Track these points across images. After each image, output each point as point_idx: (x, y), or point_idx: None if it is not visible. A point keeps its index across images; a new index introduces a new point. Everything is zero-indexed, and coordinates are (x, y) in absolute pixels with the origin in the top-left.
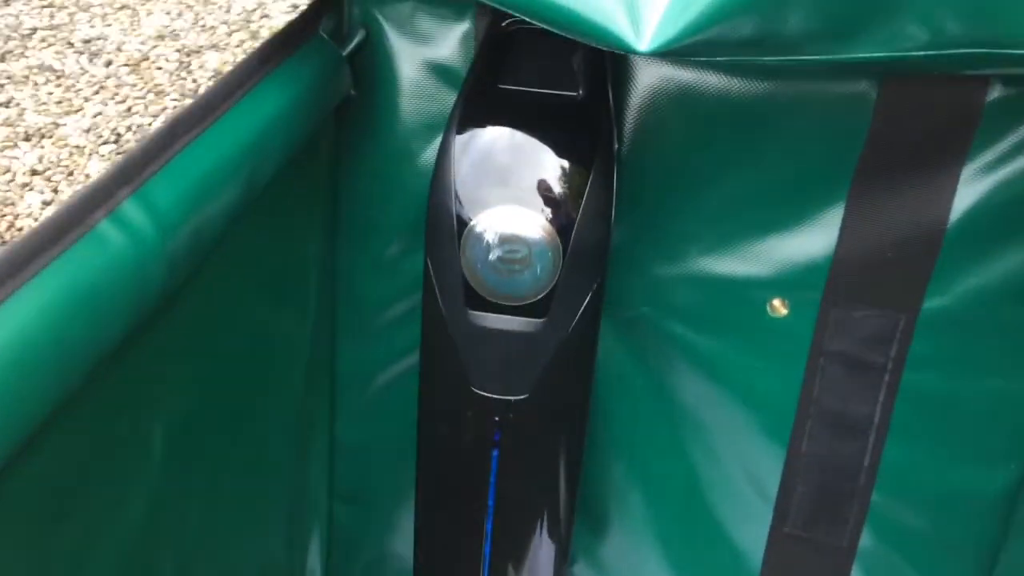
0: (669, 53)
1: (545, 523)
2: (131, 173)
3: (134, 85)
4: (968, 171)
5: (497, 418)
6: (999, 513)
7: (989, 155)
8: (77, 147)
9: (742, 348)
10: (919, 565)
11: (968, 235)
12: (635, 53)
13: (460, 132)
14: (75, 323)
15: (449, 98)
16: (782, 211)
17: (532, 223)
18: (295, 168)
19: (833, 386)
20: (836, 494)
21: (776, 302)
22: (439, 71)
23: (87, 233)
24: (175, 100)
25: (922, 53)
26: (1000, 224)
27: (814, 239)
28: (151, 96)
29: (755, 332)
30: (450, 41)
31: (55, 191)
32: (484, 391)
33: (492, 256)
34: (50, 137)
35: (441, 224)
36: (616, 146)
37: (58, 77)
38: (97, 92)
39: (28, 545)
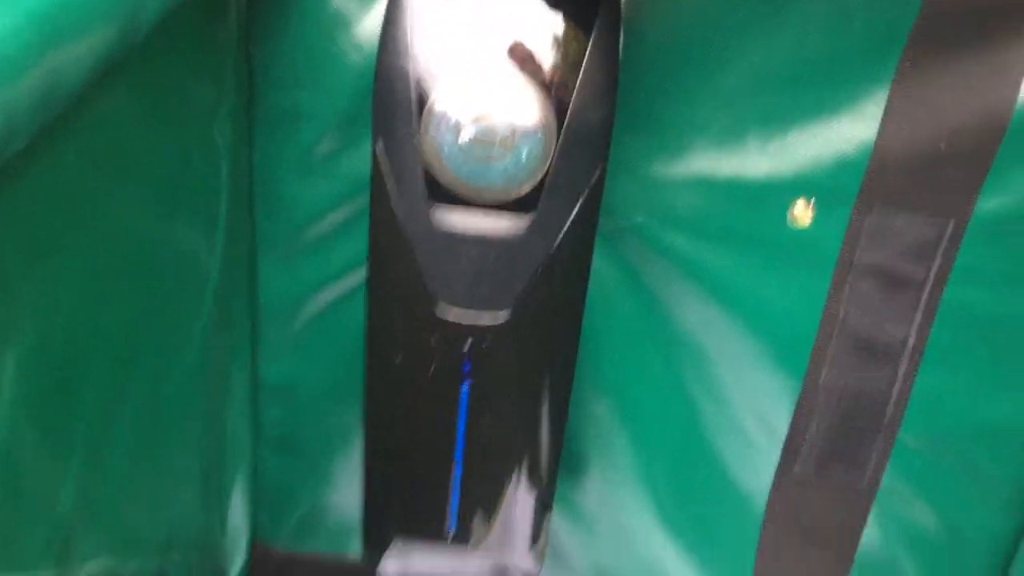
0: None
1: (525, 468)
2: None
3: None
4: None
5: (468, 345)
6: None
7: None
8: None
9: (755, 263)
10: (947, 509)
11: None
12: None
13: None
14: None
15: None
16: (811, 94)
17: (518, 94)
18: (195, 28)
19: (863, 305)
20: (857, 430)
21: (799, 207)
22: None
23: None
24: None
25: None
26: None
27: (850, 129)
28: None
29: (771, 244)
30: None
31: None
32: (451, 312)
33: (463, 138)
34: None
35: (394, 96)
36: (622, 8)
37: None
38: None
39: None
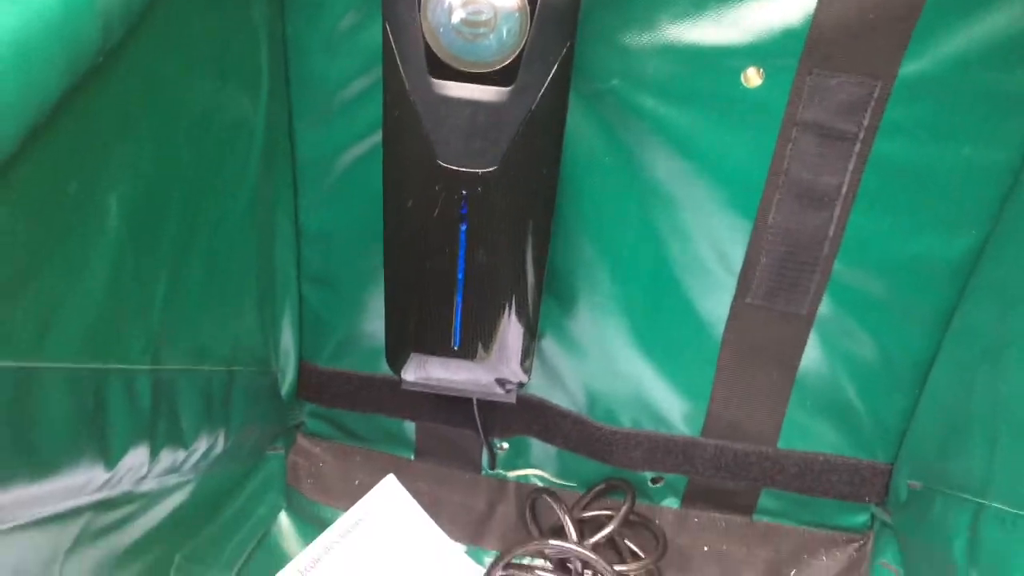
0: None
1: (514, 296)
2: None
3: None
4: None
5: (464, 191)
6: (955, 279)
7: None
8: None
9: (714, 120)
10: (875, 329)
11: None
12: None
13: None
14: (3, 82)
15: None
16: None
17: None
18: None
19: (804, 156)
20: (799, 264)
21: (751, 71)
22: None
23: None
24: None
25: None
26: None
27: (791, 3)
28: None
29: (728, 103)
30: None
31: None
32: (450, 164)
33: (455, 19)
34: None
35: None
36: None
37: None
38: None
39: None
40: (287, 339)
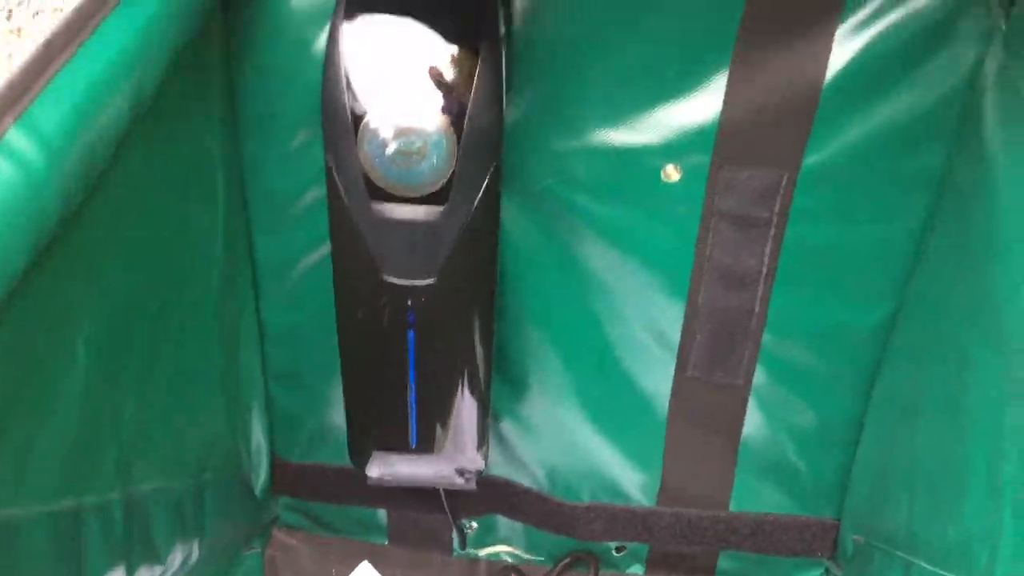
0: None
1: (465, 388)
2: (13, 99)
3: None
4: (842, 31)
5: (409, 302)
6: (874, 346)
7: (861, 14)
8: None
9: (641, 214)
10: (806, 395)
11: (843, 92)
12: None
13: (344, 22)
14: None
15: None
16: (669, 80)
17: (426, 115)
18: (186, 67)
19: (724, 242)
20: (730, 338)
21: (669, 168)
22: None
23: None
24: None
25: None
26: (873, 82)
27: (701, 105)
28: None
29: (651, 197)
30: None
31: None
32: (393, 278)
33: (389, 150)
34: None
35: (336, 119)
36: (504, 29)
37: None
38: None
39: None
40: (258, 437)
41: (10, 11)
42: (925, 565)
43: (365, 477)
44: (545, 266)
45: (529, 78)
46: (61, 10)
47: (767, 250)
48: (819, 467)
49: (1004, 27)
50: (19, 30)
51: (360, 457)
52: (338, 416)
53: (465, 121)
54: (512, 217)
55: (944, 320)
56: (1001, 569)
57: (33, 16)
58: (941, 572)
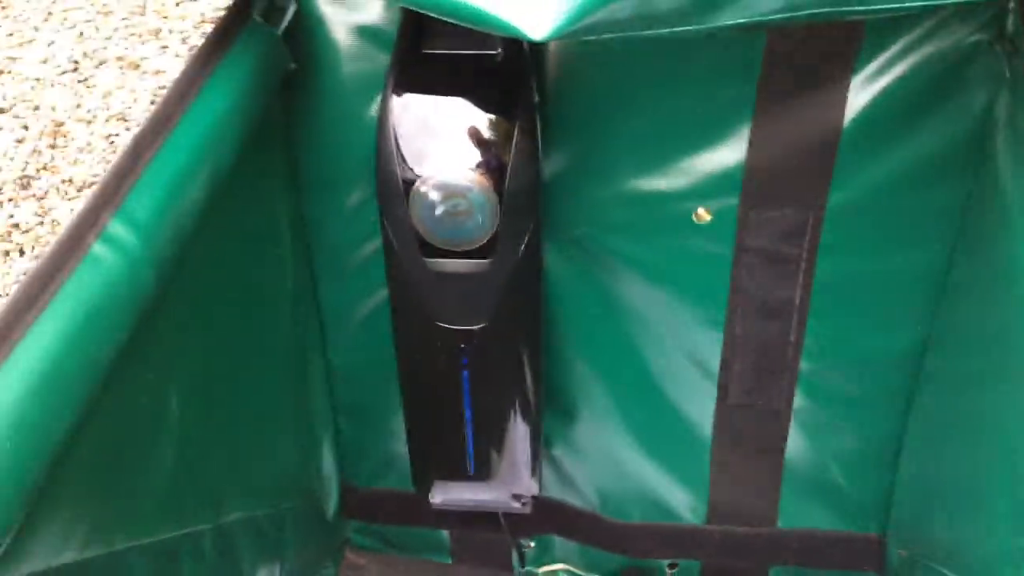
0: (561, 38)
1: (518, 419)
2: (111, 194)
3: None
4: (856, 81)
5: (462, 344)
6: (906, 370)
7: (873, 66)
8: (37, 79)
9: (675, 253)
10: (845, 417)
11: (861, 138)
12: (532, 41)
13: (395, 96)
14: (89, 339)
15: (383, 58)
16: (696, 133)
17: (470, 179)
18: (254, 146)
19: (757, 278)
20: (769, 367)
21: (700, 210)
22: (370, 34)
23: (84, 257)
24: (124, 19)
25: (781, 16)
26: (889, 127)
27: (727, 153)
28: (100, 18)
29: (685, 238)
30: (376, 4)
31: (25, 127)
32: (447, 324)
33: (438, 211)
34: (8, 73)
35: (389, 186)
36: (537, 97)
37: (3, 8)
38: (46, 20)
39: (83, 513)
40: (328, 466)
41: (76, 63)
42: None
43: (427, 503)
44: (587, 304)
45: (564, 136)
46: (123, 59)
47: (799, 283)
48: (862, 485)
49: (1008, 74)
50: (87, 80)
51: (423, 485)
52: (401, 445)
53: (506, 182)
54: (554, 261)
55: (970, 346)
56: None
57: (97, 67)
58: None
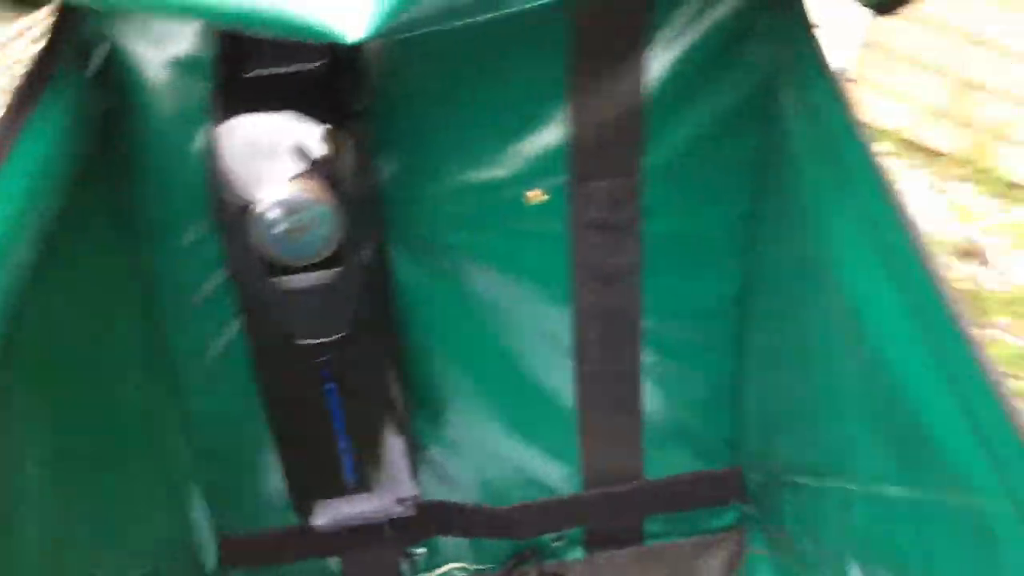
0: (377, 38)
1: (387, 424)
2: None
3: None
4: (653, 48)
5: (323, 358)
6: (736, 314)
7: (667, 32)
8: None
9: (515, 239)
10: (690, 367)
11: (663, 101)
12: (348, 44)
13: (220, 123)
14: None
15: (203, 88)
16: (516, 119)
17: (306, 193)
18: (79, 196)
19: (594, 248)
20: (616, 331)
21: (530, 193)
22: (187, 66)
23: None
24: None
25: None
26: (686, 88)
27: (549, 133)
28: None
29: (521, 222)
30: (189, 35)
31: None
32: (306, 340)
33: (277, 230)
34: None
35: (226, 213)
36: (365, 103)
37: None
38: None
39: None
40: (201, 518)
41: None
42: (807, 480)
43: (311, 533)
44: (440, 301)
45: (395, 138)
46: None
47: (631, 248)
48: (714, 425)
49: (786, 28)
50: None
51: (304, 509)
52: (272, 482)
53: (342, 191)
54: (402, 263)
55: (782, 283)
56: (856, 480)
57: None
58: (818, 482)
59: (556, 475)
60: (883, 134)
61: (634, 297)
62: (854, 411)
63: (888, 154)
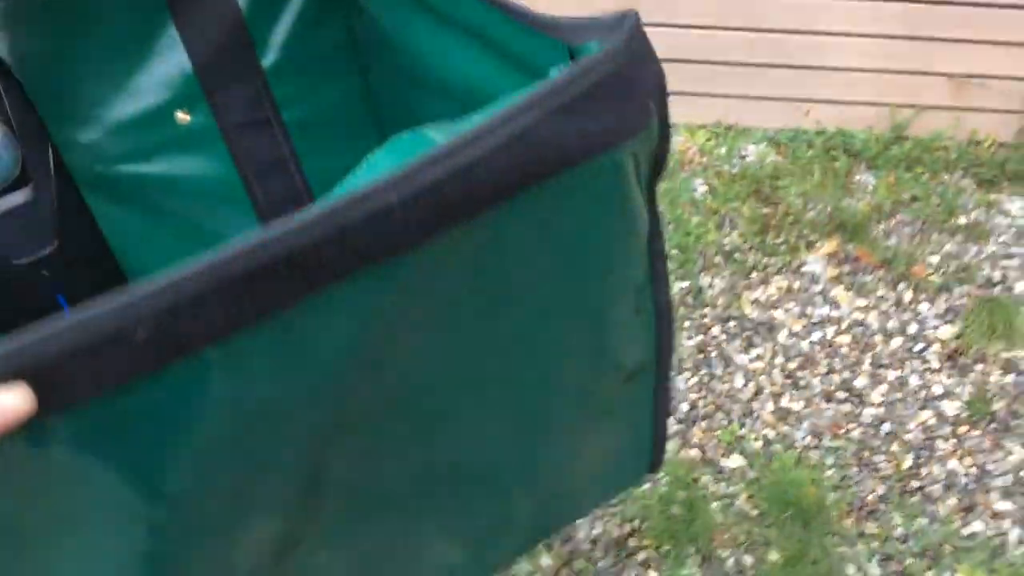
0: None
1: None
2: None
3: None
4: None
5: (44, 273)
6: None
7: None
8: None
9: (181, 158)
10: None
11: (260, 5)
12: None
13: None
14: None
15: None
16: (138, 53)
17: None
18: None
19: (248, 148)
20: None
21: (179, 113)
22: None
23: None
24: None
25: None
26: None
27: (172, 60)
28: None
29: (181, 141)
30: None
31: None
32: (20, 260)
33: None
34: None
35: None
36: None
37: None
38: None
39: None
40: None
41: None
42: None
43: None
44: (145, 232)
45: (41, 92)
46: None
47: (281, 137)
48: None
49: None
50: None
51: None
52: None
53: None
54: (99, 205)
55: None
56: None
57: None
58: None
59: None
60: None
61: (298, 179)
62: None
63: None
